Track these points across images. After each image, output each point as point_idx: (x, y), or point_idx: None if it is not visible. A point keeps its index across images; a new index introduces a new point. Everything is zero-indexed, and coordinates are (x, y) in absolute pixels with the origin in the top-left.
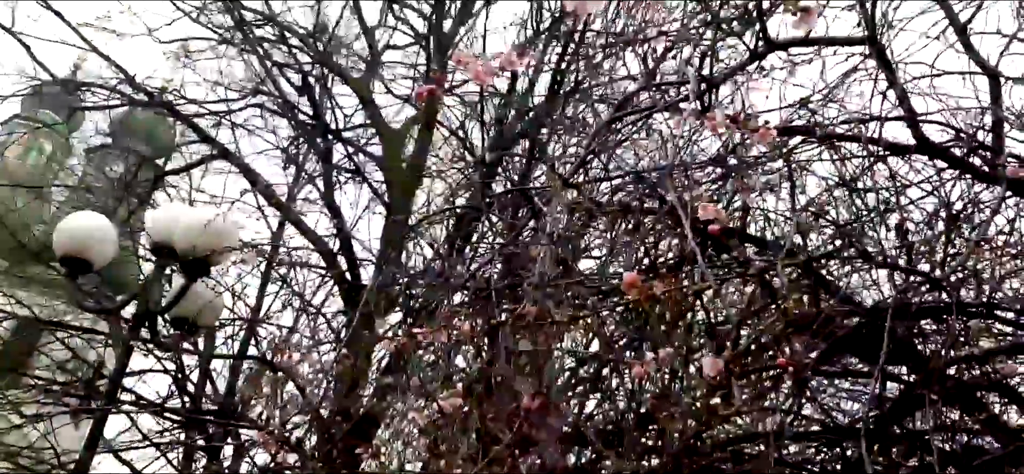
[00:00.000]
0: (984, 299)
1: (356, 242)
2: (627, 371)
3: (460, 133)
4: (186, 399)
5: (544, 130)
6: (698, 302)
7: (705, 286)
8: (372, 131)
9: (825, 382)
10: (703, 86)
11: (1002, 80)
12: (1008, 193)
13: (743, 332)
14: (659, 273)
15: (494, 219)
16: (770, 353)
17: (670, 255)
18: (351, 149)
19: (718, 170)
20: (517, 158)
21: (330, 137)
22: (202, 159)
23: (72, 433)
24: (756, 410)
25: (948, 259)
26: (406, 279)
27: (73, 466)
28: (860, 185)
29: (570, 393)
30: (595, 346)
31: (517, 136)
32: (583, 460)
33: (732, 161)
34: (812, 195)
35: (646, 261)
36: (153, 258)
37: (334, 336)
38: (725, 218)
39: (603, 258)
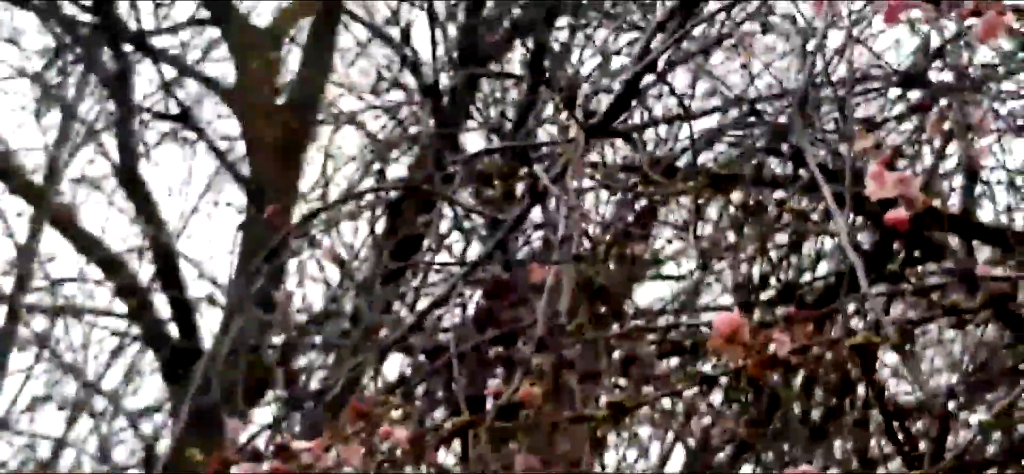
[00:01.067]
0: None
1: (186, 262)
2: None
3: (391, 31)
4: None
5: (560, 22)
6: (864, 372)
7: (873, 338)
8: (214, 34)
9: None
10: None
11: None
12: None
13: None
14: (791, 312)
15: (460, 208)
16: None
17: (810, 272)
18: (172, 73)
19: (910, 95)
20: (507, 83)
21: (128, 48)
22: None
23: None
24: None
25: None
26: (286, 336)
27: None
28: None
29: None
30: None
31: (506, 36)
32: None
33: (941, 75)
34: None
35: (771, 285)
36: None
37: (143, 455)
38: (918, 194)
39: (687, 277)
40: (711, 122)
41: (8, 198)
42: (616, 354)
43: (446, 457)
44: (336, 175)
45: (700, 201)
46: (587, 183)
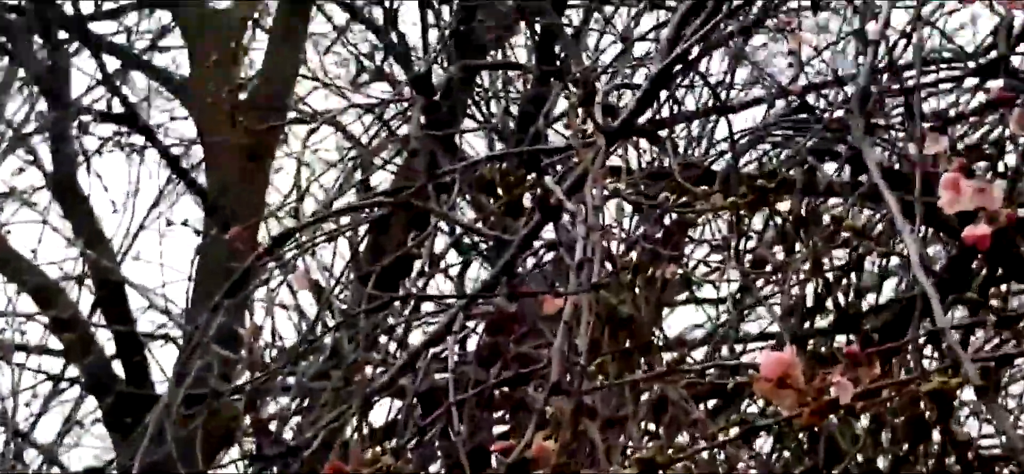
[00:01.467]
0: None
1: (134, 290)
2: None
3: (373, 13)
4: None
5: (573, 0)
6: (940, 420)
7: (951, 383)
8: (164, 18)
9: None
10: None
11: None
12: None
13: None
14: (852, 350)
15: (458, 225)
16: None
17: (874, 293)
18: (115, 65)
19: (989, 85)
20: (511, 74)
21: (64, 36)
22: None
23: None
24: None
25: None
26: (253, 378)
27: None
28: None
29: None
30: None
31: (510, 18)
32: None
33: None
34: None
35: (827, 310)
36: None
37: None
38: (1000, 206)
39: (726, 302)
40: (753, 117)
41: None
42: (644, 397)
43: None
44: (311, 186)
45: (741, 213)
46: (608, 194)
